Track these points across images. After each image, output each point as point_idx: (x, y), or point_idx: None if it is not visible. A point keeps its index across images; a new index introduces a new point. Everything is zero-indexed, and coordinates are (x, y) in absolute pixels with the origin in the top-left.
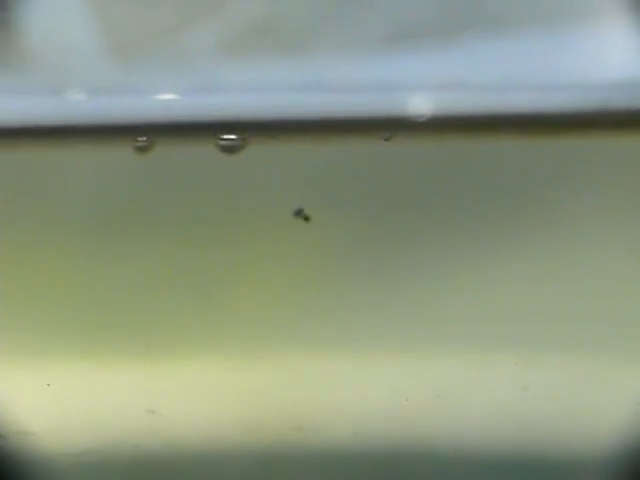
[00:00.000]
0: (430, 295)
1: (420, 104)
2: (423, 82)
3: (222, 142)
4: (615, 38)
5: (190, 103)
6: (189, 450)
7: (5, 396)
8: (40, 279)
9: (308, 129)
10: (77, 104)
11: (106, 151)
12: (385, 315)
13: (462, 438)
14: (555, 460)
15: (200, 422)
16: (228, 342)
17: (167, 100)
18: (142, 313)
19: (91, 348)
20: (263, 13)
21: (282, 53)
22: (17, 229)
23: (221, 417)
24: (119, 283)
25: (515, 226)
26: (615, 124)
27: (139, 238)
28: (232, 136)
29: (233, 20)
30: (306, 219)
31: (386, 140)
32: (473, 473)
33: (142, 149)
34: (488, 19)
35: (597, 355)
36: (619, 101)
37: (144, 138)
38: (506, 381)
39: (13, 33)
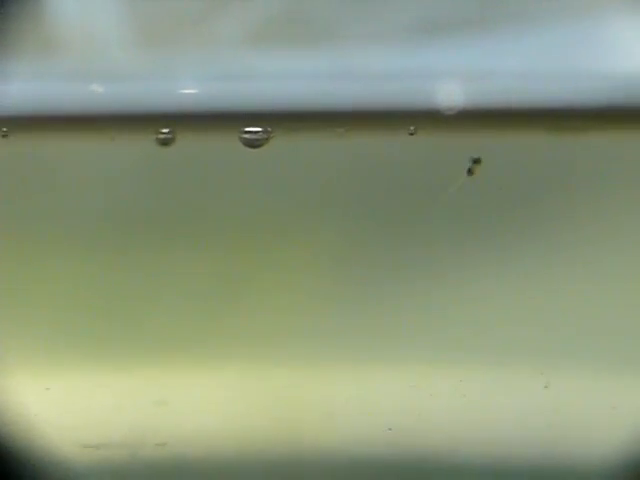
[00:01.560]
0: (444, 300)
1: (448, 95)
2: (451, 73)
3: (246, 135)
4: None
5: (214, 94)
6: (199, 449)
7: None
8: (59, 278)
9: (333, 120)
10: (98, 93)
11: (127, 143)
12: (397, 321)
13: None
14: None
15: (212, 424)
16: (242, 345)
17: (190, 92)
18: (159, 315)
19: (100, 352)
20: (290, 2)
21: (308, 43)
22: (24, 225)
23: (236, 423)
24: (134, 283)
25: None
26: None
27: (156, 237)
28: (256, 129)
29: (259, 9)
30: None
31: (411, 135)
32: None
33: (164, 142)
34: (516, 11)
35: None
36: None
37: (167, 130)
38: (520, 388)
39: (39, 19)
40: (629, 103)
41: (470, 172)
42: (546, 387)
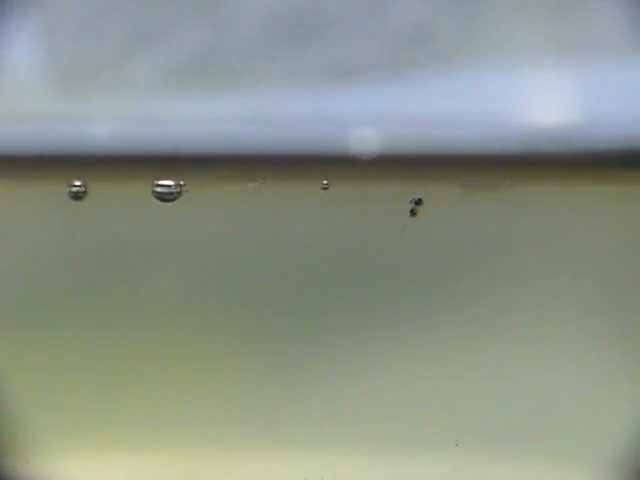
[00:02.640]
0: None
1: (364, 140)
2: (367, 117)
3: (158, 189)
4: (560, 78)
5: (128, 138)
6: None
7: None
8: None
9: (246, 167)
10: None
11: (37, 194)
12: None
13: None
14: None
15: None
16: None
17: (104, 137)
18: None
19: None
20: (208, 45)
21: (224, 87)
22: None
23: None
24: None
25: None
26: (555, 169)
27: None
28: (169, 182)
29: (177, 52)
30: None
31: (324, 189)
32: None
33: (76, 195)
34: (434, 55)
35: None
36: (556, 146)
37: (79, 183)
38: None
39: None
40: (545, 152)
41: (413, 213)
42: (457, 445)
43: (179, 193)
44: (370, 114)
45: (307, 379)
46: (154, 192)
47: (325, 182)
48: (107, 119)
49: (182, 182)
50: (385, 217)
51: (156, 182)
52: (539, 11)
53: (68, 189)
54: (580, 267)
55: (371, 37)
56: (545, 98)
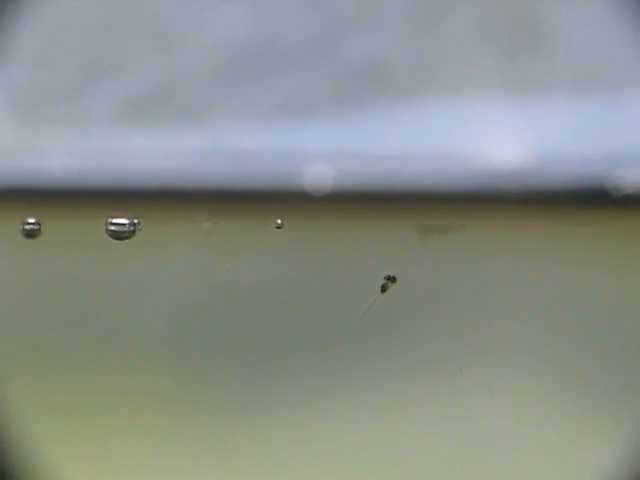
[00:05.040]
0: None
1: (318, 176)
2: (322, 153)
3: (112, 227)
4: (515, 115)
5: (82, 171)
6: None
7: None
8: None
9: (200, 202)
10: None
11: None
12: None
13: None
14: None
15: None
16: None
17: (58, 171)
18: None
19: None
20: (163, 78)
21: (180, 120)
22: None
23: None
24: None
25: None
26: (517, 207)
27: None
28: (123, 220)
29: (132, 85)
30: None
31: (278, 228)
32: None
33: (30, 233)
34: (390, 90)
35: None
36: (511, 183)
37: (33, 220)
38: None
39: None
40: (501, 190)
41: (384, 289)
42: None
43: (133, 232)
44: (325, 149)
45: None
46: (108, 230)
47: (279, 221)
48: (62, 153)
49: (136, 220)
50: (340, 255)
51: (110, 220)
52: (495, 47)
53: (21, 227)
54: (538, 309)
55: (327, 72)
56: (501, 135)
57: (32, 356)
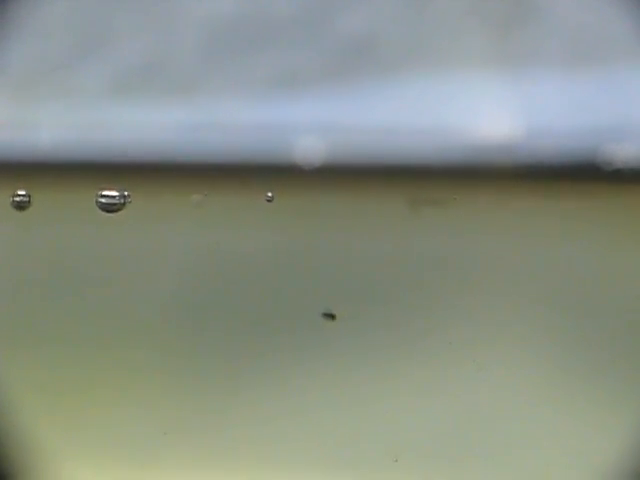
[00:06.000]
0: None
1: (308, 151)
2: (313, 126)
3: (102, 199)
4: (506, 89)
5: (72, 145)
6: None
7: None
8: None
9: (190, 174)
10: None
11: None
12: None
13: None
14: None
15: None
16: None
17: (48, 144)
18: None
19: None
20: (154, 52)
21: (171, 93)
22: None
23: None
24: None
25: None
26: (506, 181)
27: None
28: (113, 193)
29: (123, 59)
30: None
31: (268, 201)
32: None
33: (20, 205)
34: (381, 64)
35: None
36: (502, 157)
37: (23, 192)
38: None
39: None
40: (491, 163)
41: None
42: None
43: (123, 204)
44: (316, 123)
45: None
46: (98, 202)
47: (269, 194)
48: (52, 126)
49: (126, 193)
50: (330, 229)
51: (100, 193)
52: (486, 22)
53: (11, 199)
54: (528, 282)
55: (318, 46)
56: (492, 109)
57: (21, 329)
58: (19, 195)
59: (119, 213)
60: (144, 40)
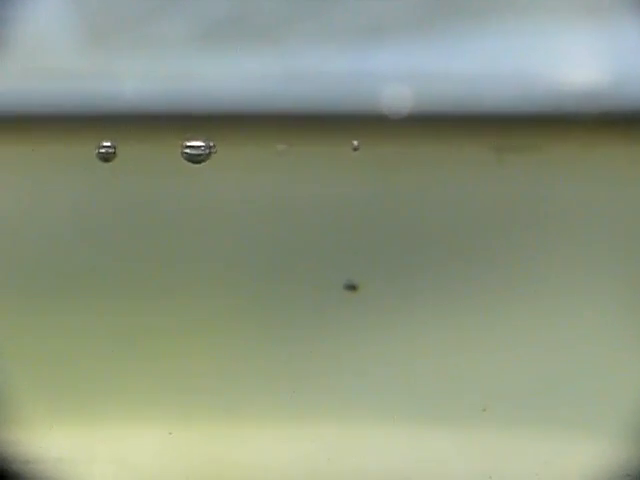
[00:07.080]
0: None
1: (395, 99)
2: (398, 76)
3: (188, 150)
4: (590, 38)
5: (157, 96)
6: None
7: None
8: None
9: (276, 126)
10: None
11: (65, 156)
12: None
13: None
14: None
15: None
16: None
17: (133, 95)
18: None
19: None
20: (237, 2)
21: (255, 43)
22: None
23: None
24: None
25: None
26: (594, 128)
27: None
28: (199, 143)
29: (207, 9)
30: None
31: (355, 150)
32: None
33: (105, 156)
34: (467, 14)
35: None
36: (587, 104)
37: (108, 143)
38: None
39: None
40: (576, 111)
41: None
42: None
43: (208, 155)
44: (402, 72)
45: (326, 347)
46: (183, 153)
47: (355, 143)
48: (137, 77)
49: (211, 143)
50: (416, 178)
51: (185, 143)
52: None
53: (97, 150)
54: (611, 229)
55: None
56: (577, 56)
57: (108, 276)
58: (104, 146)
59: (204, 164)
60: None
